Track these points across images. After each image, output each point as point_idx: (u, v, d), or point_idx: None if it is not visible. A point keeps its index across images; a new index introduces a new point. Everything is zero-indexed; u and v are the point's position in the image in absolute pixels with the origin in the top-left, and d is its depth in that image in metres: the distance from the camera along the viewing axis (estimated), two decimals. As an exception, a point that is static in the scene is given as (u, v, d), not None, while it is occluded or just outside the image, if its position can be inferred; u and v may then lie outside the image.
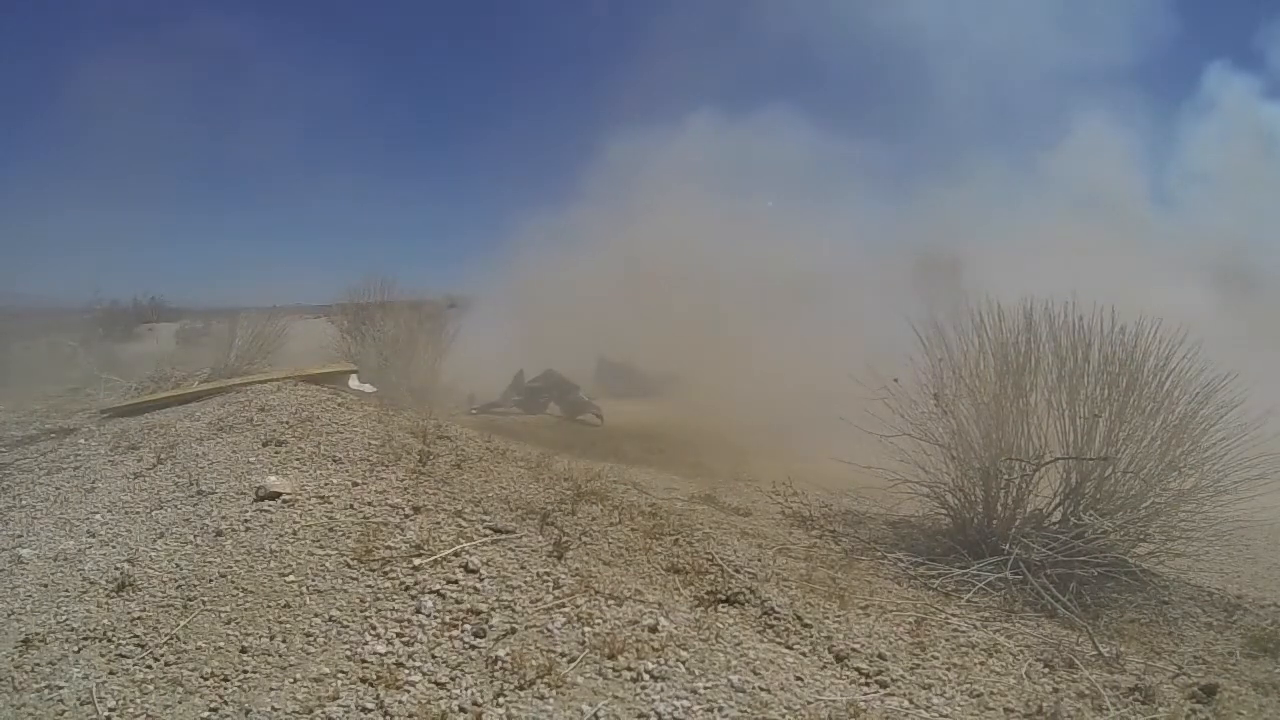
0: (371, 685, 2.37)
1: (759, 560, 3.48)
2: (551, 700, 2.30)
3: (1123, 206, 18.03)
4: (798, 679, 2.50)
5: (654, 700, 2.30)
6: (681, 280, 14.82)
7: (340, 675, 2.42)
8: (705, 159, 19.94)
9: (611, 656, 2.49)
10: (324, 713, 2.26)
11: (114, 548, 3.33)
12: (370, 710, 2.27)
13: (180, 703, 2.34)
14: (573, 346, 12.51)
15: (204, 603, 2.81)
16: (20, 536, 3.58)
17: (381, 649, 2.53)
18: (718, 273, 15.00)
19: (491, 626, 2.65)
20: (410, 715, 2.26)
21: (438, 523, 3.33)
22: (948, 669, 2.70)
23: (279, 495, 3.53)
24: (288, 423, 4.65)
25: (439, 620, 2.68)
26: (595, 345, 13.13)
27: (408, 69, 42.59)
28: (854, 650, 2.73)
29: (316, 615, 2.70)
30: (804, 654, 2.72)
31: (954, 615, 3.17)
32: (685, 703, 2.30)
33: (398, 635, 2.61)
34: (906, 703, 2.46)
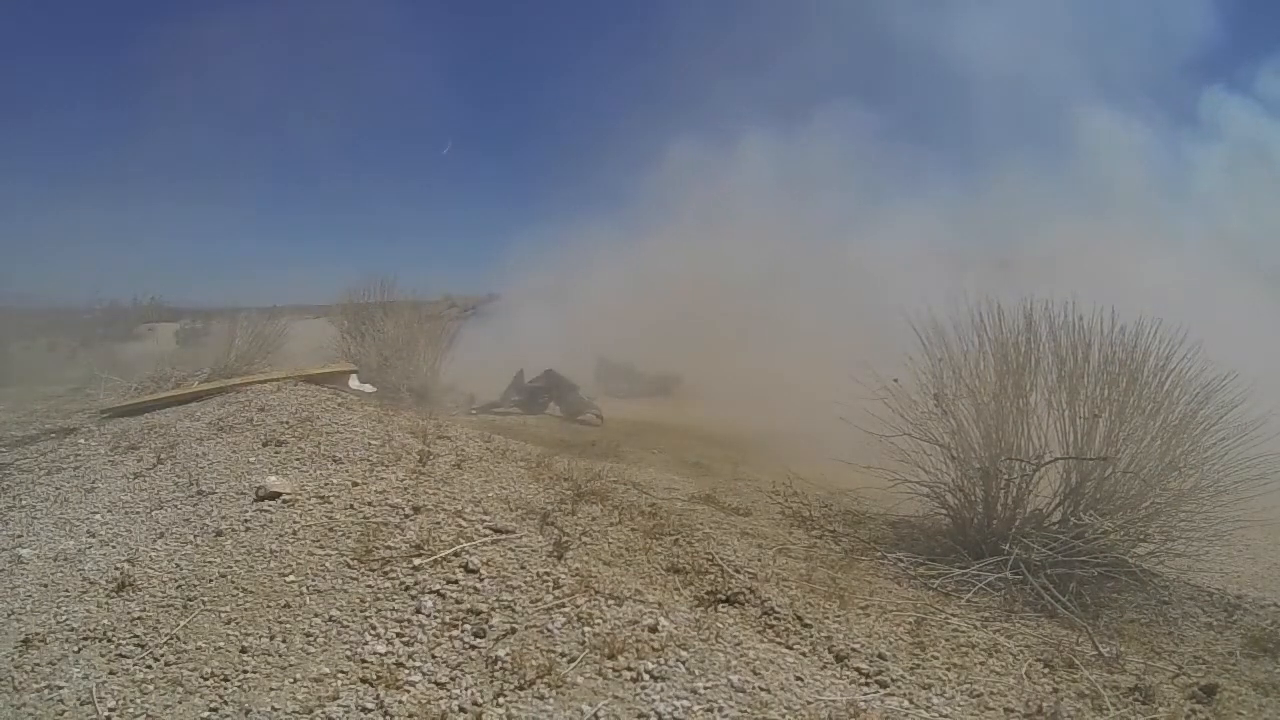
0: (371, 685, 2.37)
1: (759, 560, 3.47)
2: (551, 700, 2.30)
3: (1157, 209, 18.08)
4: (798, 679, 2.50)
5: (654, 700, 2.30)
6: (695, 284, 14.91)
7: (340, 675, 2.42)
8: (731, 165, 20.12)
9: (611, 656, 2.49)
10: (324, 713, 2.26)
11: (114, 548, 3.34)
12: (370, 710, 2.27)
13: (180, 703, 2.34)
14: (589, 347, 12.65)
15: (204, 603, 2.81)
16: (20, 536, 3.58)
17: (381, 649, 2.54)
18: (730, 276, 15.09)
19: (491, 626, 2.65)
20: (410, 715, 2.26)
21: (438, 523, 3.33)
22: (948, 669, 2.70)
23: (279, 495, 3.53)
24: (288, 423, 4.65)
25: (439, 620, 2.68)
26: (610, 347, 13.25)
27: (413, 69, 42.55)
28: (854, 650, 2.73)
29: (316, 615, 2.71)
30: (804, 654, 2.72)
31: (954, 615, 3.17)
32: (685, 703, 2.30)
33: (398, 635, 2.61)
34: (906, 703, 2.46)
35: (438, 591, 2.83)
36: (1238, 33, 32.59)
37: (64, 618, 2.81)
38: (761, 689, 2.39)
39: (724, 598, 3.01)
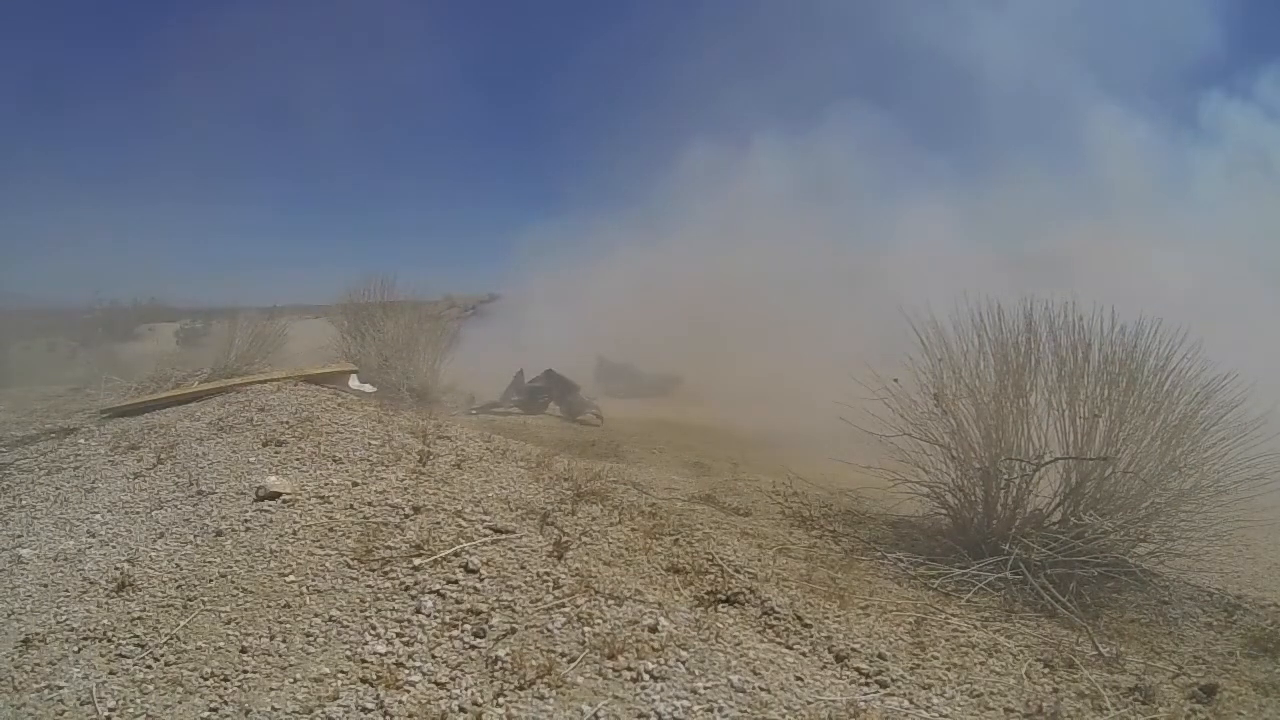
0: (371, 685, 2.37)
1: (759, 560, 3.47)
2: (551, 700, 2.30)
3: (1161, 210, 18.16)
4: (798, 679, 2.50)
5: (654, 700, 2.30)
6: (698, 285, 14.98)
7: (340, 675, 2.42)
8: (740, 167, 20.19)
9: (611, 656, 2.49)
10: (324, 713, 2.26)
11: (114, 548, 3.34)
12: (370, 710, 2.27)
13: (180, 703, 2.34)
14: (590, 347, 12.69)
15: (204, 603, 2.81)
16: (20, 536, 3.58)
17: (381, 649, 2.54)
18: (734, 278, 15.15)
19: (491, 626, 2.65)
20: (410, 715, 2.26)
21: (438, 523, 3.33)
22: (948, 669, 2.70)
23: (279, 495, 3.53)
24: (288, 423, 4.65)
25: (439, 620, 2.68)
26: (610, 347, 13.31)
27: (418, 68, 42.57)
28: (854, 650, 2.73)
29: (316, 615, 2.70)
30: (804, 654, 2.72)
31: (954, 615, 3.17)
32: (685, 703, 2.30)
33: (398, 635, 2.61)
34: (906, 703, 2.46)
35: (438, 591, 2.83)
36: (1234, 40, 32.98)
37: (64, 618, 2.81)
38: (761, 689, 2.39)
39: (724, 598, 3.01)
